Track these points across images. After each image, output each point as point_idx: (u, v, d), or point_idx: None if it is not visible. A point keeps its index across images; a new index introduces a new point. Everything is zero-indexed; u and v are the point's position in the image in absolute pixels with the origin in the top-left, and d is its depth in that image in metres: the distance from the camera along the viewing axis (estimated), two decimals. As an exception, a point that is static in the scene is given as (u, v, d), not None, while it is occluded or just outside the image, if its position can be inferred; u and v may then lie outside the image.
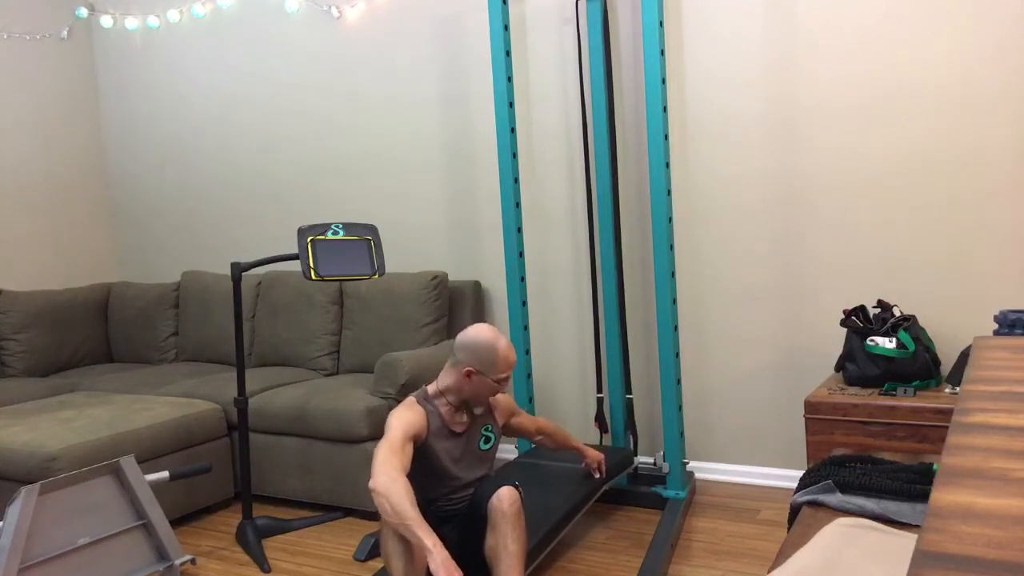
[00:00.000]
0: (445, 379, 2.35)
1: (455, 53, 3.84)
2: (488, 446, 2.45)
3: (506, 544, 2.11)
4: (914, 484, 1.91)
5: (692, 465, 3.46)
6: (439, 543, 1.92)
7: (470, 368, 2.28)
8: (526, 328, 3.37)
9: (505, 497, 2.15)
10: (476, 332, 2.32)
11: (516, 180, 3.31)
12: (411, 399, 2.32)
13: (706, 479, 3.43)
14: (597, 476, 2.83)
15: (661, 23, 2.94)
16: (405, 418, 2.21)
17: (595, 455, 2.84)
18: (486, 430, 2.44)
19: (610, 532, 2.97)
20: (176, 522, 3.28)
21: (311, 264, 2.87)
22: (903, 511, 1.83)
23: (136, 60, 4.85)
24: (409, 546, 2.05)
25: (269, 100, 4.40)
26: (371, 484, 2.01)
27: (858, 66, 3.02)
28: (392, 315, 3.75)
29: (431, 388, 2.37)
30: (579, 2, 3.46)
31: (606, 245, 3.30)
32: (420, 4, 3.91)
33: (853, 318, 2.89)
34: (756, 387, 3.33)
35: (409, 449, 2.16)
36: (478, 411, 2.40)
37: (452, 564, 1.90)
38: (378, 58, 4.05)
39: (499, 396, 2.54)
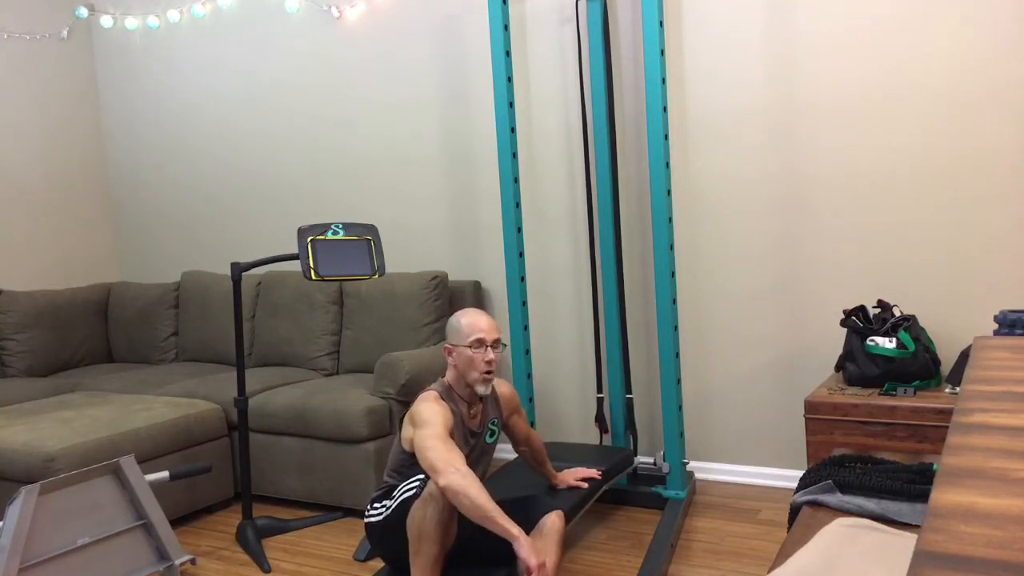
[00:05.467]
0: (448, 373, 2.41)
1: (455, 53, 3.84)
2: (492, 439, 2.50)
3: (546, 558, 2.18)
4: (914, 484, 1.91)
5: (692, 465, 3.46)
6: (523, 532, 1.99)
7: (447, 346, 2.38)
8: (526, 328, 3.37)
9: (560, 517, 2.30)
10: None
11: (516, 180, 3.31)
12: (434, 394, 2.32)
13: (706, 479, 3.43)
14: (587, 483, 2.76)
15: (661, 23, 2.94)
16: (439, 412, 2.23)
17: (564, 479, 2.76)
18: (492, 424, 2.47)
19: (610, 532, 2.97)
20: (176, 522, 3.28)
21: (311, 264, 2.87)
22: (903, 511, 1.83)
23: (136, 60, 4.85)
24: (449, 519, 2.11)
25: (269, 100, 4.40)
26: (443, 482, 2.02)
27: (858, 66, 3.02)
28: (392, 315, 3.75)
29: (447, 381, 2.41)
30: (579, 2, 3.46)
31: (606, 245, 3.30)
32: (420, 4, 3.91)
33: (853, 318, 2.89)
34: (756, 387, 3.33)
35: (452, 441, 2.19)
36: (482, 390, 2.37)
37: (536, 549, 1.99)
38: (378, 58, 4.05)
39: (505, 389, 2.56)
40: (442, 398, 2.32)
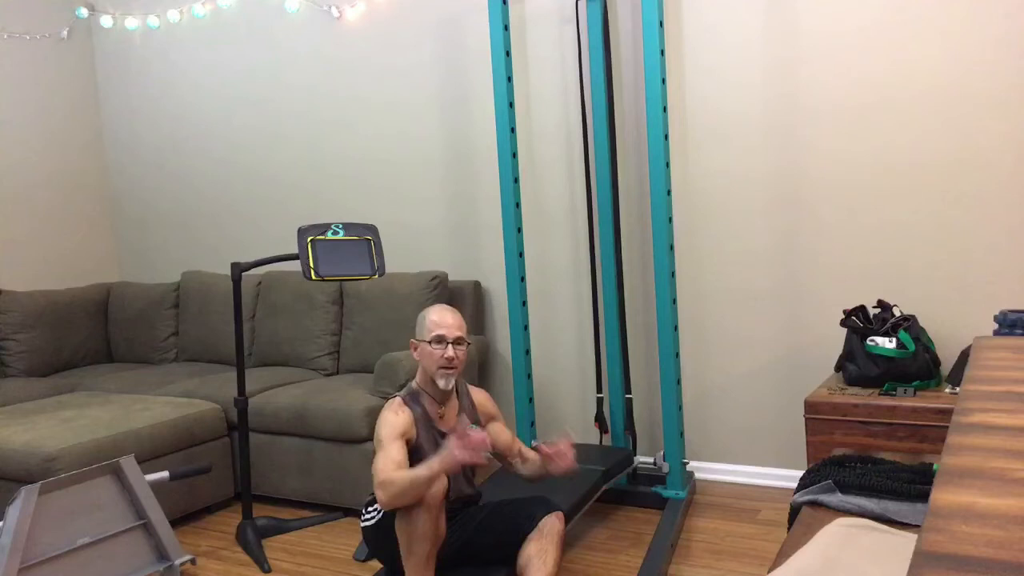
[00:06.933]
0: (418, 372, 2.41)
1: (455, 53, 3.84)
2: None
3: (546, 559, 2.20)
4: (914, 484, 1.91)
5: (692, 465, 3.46)
6: (438, 457, 2.08)
7: (412, 340, 2.40)
8: (526, 328, 3.37)
9: (560, 518, 2.29)
10: None
11: (516, 180, 3.31)
12: (397, 402, 2.33)
13: (706, 479, 3.43)
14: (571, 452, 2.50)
15: (661, 23, 2.94)
16: (391, 422, 2.25)
17: (544, 451, 2.47)
18: (475, 425, 2.44)
19: (610, 532, 2.97)
20: (176, 522, 3.28)
21: (311, 264, 2.87)
22: (903, 511, 1.84)
23: (136, 60, 4.85)
24: (437, 516, 2.14)
25: (269, 100, 4.40)
26: (379, 500, 2.13)
27: (858, 66, 3.02)
28: (392, 315, 3.75)
29: (414, 384, 2.40)
30: (579, 2, 3.46)
31: (606, 245, 3.30)
32: (420, 4, 3.91)
33: (853, 318, 2.89)
34: (756, 387, 3.33)
35: (401, 445, 2.22)
36: (442, 384, 2.33)
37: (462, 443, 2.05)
38: (378, 58, 4.05)
39: (480, 396, 2.54)
40: (406, 403, 2.32)
